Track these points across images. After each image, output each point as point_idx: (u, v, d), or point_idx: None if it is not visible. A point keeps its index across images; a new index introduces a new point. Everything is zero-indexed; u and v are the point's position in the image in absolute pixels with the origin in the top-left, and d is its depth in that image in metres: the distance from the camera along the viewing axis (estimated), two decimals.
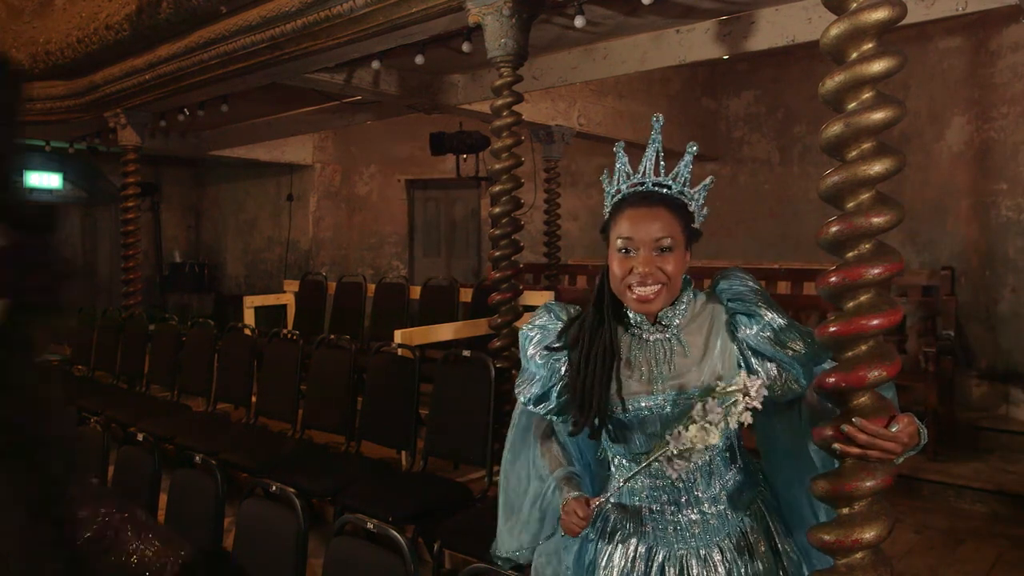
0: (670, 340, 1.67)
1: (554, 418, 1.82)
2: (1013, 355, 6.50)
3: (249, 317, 6.90)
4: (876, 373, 1.52)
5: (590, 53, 5.76)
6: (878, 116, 1.53)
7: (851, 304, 1.56)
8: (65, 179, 10.14)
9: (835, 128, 1.56)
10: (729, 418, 1.55)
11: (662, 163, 1.67)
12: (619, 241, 1.63)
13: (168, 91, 6.43)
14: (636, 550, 1.73)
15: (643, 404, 1.65)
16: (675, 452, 1.57)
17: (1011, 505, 4.68)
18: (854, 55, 1.56)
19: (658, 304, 1.63)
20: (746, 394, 1.54)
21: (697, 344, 1.67)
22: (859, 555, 1.54)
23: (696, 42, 5.33)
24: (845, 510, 1.56)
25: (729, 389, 1.57)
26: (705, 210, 1.71)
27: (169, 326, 6.34)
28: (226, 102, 6.80)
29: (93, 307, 7.76)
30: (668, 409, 1.64)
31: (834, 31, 1.57)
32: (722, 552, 1.69)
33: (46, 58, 6.68)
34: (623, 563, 1.73)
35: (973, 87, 6.94)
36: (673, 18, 5.03)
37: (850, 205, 1.58)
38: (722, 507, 1.70)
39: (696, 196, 1.69)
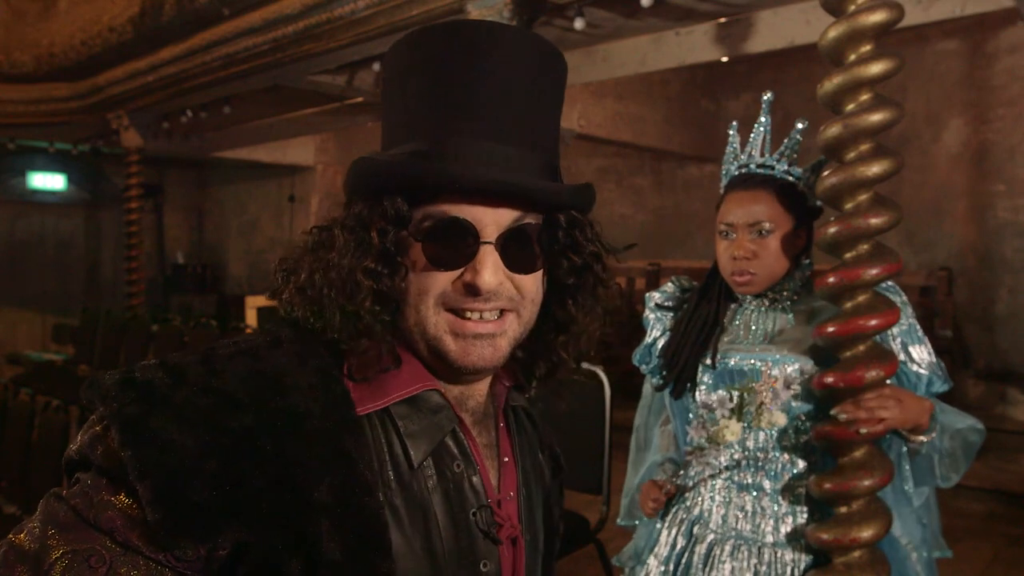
0: (772, 310, 1.70)
1: (654, 379, 1.85)
2: (1010, 355, 6.54)
3: (251, 318, 6.93)
4: (874, 373, 1.53)
5: (590, 55, 5.79)
6: (876, 118, 1.54)
7: (849, 304, 1.58)
8: (69, 180, 10.18)
9: (833, 130, 1.58)
10: (749, 414, 1.58)
11: (768, 144, 1.69)
12: (721, 225, 1.68)
13: (171, 93, 6.46)
14: (681, 525, 1.73)
15: (731, 361, 1.68)
16: (705, 437, 1.62)
17: (1008, 504, 4.72)
18: (852, 57, 1.58)
19: (755, 287, 1.67)
20: (764, 389, 1.58)
21: (796, 320, 1.69)
22: (857, 554, 1.54)
23: (695, 44, 5.36)
24: (843, 509, 1.56)
25: (751, 385, 1.61)
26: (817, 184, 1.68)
27: (172, 327, 6.37)
28: (228, 104, 6.83)
29: (97, 307, 7.78)
30: (751, 368, 1.65)
31: (832, 33, 1.59)
32: (760, 559, 1.62)
33: (50, 60, 6.71)
34: (669, 537, 1.74)
35: (970, 89, 6.98)
36: (672, 20, 5.06)
37: (848, 206, 1.59)
38: (781, 511, 1.63)
39: (804, 175, 1.69)
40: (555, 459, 1.04)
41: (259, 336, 0.81)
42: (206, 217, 11.76)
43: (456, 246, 0.78)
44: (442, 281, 0.79)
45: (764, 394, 1.60)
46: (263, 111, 7.83)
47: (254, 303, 7.19)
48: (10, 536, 0.70)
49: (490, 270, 0.77)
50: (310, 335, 0.80)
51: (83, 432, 0.73)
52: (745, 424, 1.63)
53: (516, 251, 0.79)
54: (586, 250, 0.86)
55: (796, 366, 1.63)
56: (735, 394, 1.64)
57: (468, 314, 0.79)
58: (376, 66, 5.61)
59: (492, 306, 0.79)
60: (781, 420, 1.61)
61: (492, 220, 0.78)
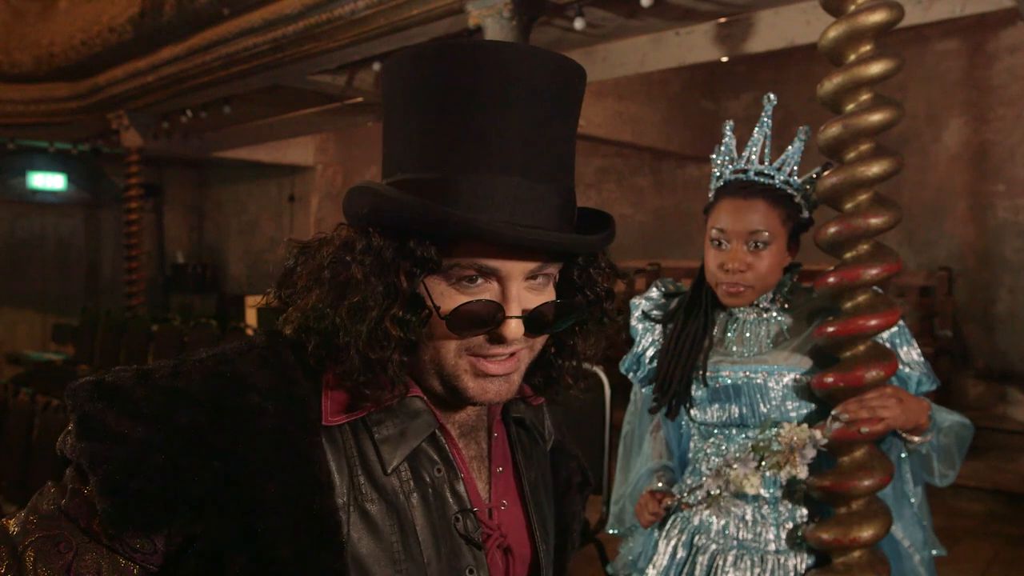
0: (765, 319, 1.66)
1: (645, 389, 1.82)
2: (1010, 355, 6.54)
3: (251, 318, 6.93)
4: (874, 373, 1.53)
5: (590, 55, 5.79)
6: (876, 118, 1.55)
7: (849, 305, 1.58)
8: (69, 180, 10.18)
9: (833, 130, 1.58)
10: (768, 469, 1.56)
11: (767, 150, 1.63)
12: (713, 231, 1.61)
13: (171, 93, 6.47)
14: (681, 535, 1.70)
15: (724, 373, 1.64)
16: (714, 493, 1.60)
17: (1007, 504, 4.72)
18: (852, 57, 1.58)
19: (745, 300, 1.62)
20: (791, 452, 1.54)
21: (790, 326, 1.66)
22: (857, 554, 1.54)
23: (695, 44, 5.35)
24: (843, 509, 1.57)
25: (775, 448, 1.56)
26: (814, 197, 1.65)
27: (172, 327, 6.37)
28: (228, 104, 6.83)
29: (97, 307, 7.78)
30: (746, 381, 1.62)
31: (832, 33, 1.59)
32: (764, 567, 1.61)
33: (50, 60, 6.71)
34: (669, 547, 1.72)
35: (970, 89, 6.98)
36: (672, 20, 5.06)
37: (848, 206, 1.59)
38: (782, 517, 1.63)
39: (803, 187, 1.64)
40: (582, 472, 1.03)
41: (236, 343, 0.82)
42: (206, 217, 11.76)
43: (485, 300, 0.76)
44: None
45: (790, 459, 1.55)
46: (263, 111, 7.83)
47: (254, 303, 7.19)
48: (2, 520, 0.77)
49: (516, 322, 0.76)
50: (282, 343, 0.80)
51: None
52: (763, 474, 1.60)
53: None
54: (598, 287, 0.86)
55: (793, 375, 1.62)
56: (755, 456, 1.58)
57: (489, 356, 0.78)
58: (376, 66, 5.61)
59: (512, 350, 0.79)
60: (803, 474, 1.57)
61: (519, 270, 0.76)
